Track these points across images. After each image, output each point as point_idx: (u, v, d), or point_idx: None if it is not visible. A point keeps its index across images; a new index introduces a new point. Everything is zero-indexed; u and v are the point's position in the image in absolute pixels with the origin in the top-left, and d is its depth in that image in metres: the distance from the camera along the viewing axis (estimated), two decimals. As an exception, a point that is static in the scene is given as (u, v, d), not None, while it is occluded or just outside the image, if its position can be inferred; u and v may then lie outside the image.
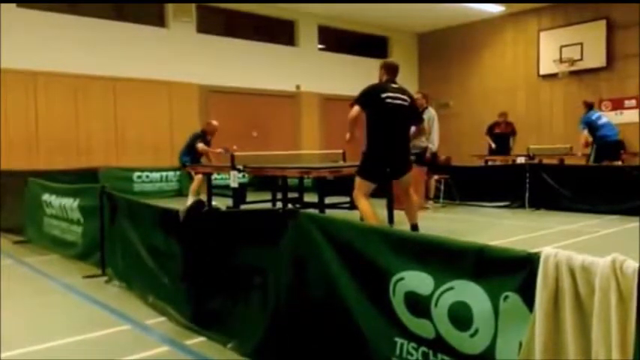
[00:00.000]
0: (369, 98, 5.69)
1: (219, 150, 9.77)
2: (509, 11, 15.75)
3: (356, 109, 5.66)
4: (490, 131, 12.80)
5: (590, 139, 10.87)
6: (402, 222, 7.58)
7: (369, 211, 5.61)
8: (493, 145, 12.71)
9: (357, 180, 5.78)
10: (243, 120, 14.23)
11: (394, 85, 5.79)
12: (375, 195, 6.15)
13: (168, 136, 13.11)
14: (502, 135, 12.59)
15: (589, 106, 11.20)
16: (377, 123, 5.67)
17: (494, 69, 16.66)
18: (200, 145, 9.49)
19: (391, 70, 5.89)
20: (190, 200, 8.08)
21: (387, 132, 5.68)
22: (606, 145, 10.78)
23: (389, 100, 5.63)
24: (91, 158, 11.87)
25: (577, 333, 1.68)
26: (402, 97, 5.72)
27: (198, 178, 9.18)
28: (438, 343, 2.12)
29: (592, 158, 10.87)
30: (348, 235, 2.54)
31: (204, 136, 9.75)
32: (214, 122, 9.96)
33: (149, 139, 12.89)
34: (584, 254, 1.71)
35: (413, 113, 5.87)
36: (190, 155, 9.62)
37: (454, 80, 17.46)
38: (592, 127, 10.82)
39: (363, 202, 5.70)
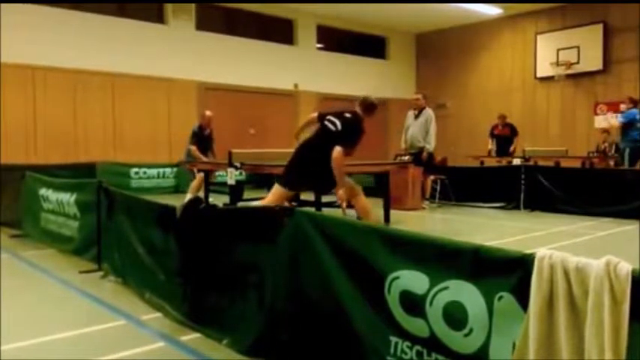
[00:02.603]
0: (324, 115, 5.76)
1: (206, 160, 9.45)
2: (507, 14, 15.79)
3: (314, 115, 5.89)
4: (491, 133, 12.90)
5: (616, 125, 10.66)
6: (398, 221, 7.61)
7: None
8: (489, 147, 12.79)
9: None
10: (241, 118, 14.24)
11: (346, 114, 5.63)
12: (373, 195, 6.16)
13: (166, 132, 13.11)
14: (501, 137, 12.69)
15: (634, 103, 10.97)
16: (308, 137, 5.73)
17: (492, 71, 16.70)
18: (192, 148, 9.33)
19: (360, 103, 5.74)
20: (189, 197, 8.06)
21: (304, 146, 5.66)
22: (638, 148, 10.66)
23: (324, 121, 5.61)
24: (88, 153, 11.87)
25: (570, 334, 1.70)
26: (336, 121, 5.52)
27: (199, 176, 9.01)
28: (433, 342, 2.13)
29: (627, 161, 10.66)
30: (344, 233, 2.56)
31: (201, 131, 9.51)
32: (207, 113, 9.67)
33: (147, 135, 12.89)
34: (578, 256, 1.73)
35: (337, 137, 5.44)
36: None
37: (451, 81, 17.49)
38: (632, 124, 10.61)
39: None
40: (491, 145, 12.80)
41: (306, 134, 5.96)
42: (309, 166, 5.50)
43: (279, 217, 2.87)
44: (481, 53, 16.90)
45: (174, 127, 13.03)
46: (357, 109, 5.66)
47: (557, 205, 8.96)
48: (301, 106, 15.81)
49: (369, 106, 5.69)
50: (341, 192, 5.29)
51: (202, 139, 9.46)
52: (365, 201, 5.67)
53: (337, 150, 5.19)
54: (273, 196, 5.53)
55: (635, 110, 10.84)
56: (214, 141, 9.78)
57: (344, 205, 5.33)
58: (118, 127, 12.53)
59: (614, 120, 10.74)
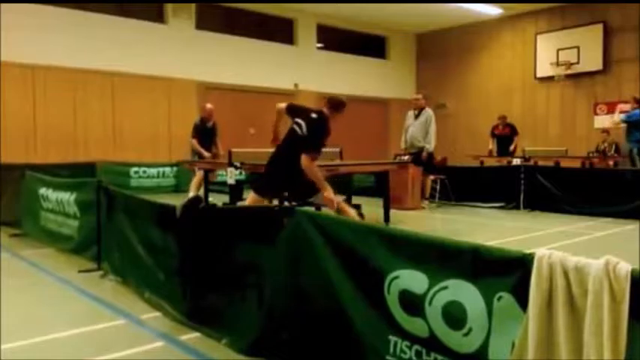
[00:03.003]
0: (293, 112, 5.62)
1: (207, 154, 9.18)
2: (507, 14, 15.78)
3: (282, 105, 5.81)
4: (492, 133, 12.91)
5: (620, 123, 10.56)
6: (398, 221, 7.62)
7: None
8: (490, 147, 12.81)
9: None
10: (241, 117, 14.23)
11: (312, 114, 5.45)
12: (373, 195, 6.16)
13: (166, 132, 13.11)
14: (501, 137, 12.71)
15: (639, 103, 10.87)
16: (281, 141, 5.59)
17: (492, 71, 16.69)
18: (193, 141, 9.20)
19: (328, 102, 5.57)
20: (190, 195, 8.04)
21: (275, 152, 5.56)
22: None
23: (293, 124, 5.46)
24: (88, 153, 11.87)
25: (569, 333, 1.70)
26: (302, 124, 5.36)
27: (199, 173, 8.90)
28: (432, 342, 2.13)
29: (637, 161, 10.60)
30: (344, 233, 2.56)
31: (202, 123, 9.26)
32: (208, 105, 9.42)
33: (147, 134, 12.89)
34: (578, 256, 1.73)
35: (302, 142, 5.28)
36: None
37: (452, 81, 17.48)
38: (637, 125, 10.55)
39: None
40: (491, 145, 12.82)
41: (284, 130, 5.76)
42: (279, 174, 5.39)
43: (279, 217, 2.87)
44: (481, 53, 16.89)
45: (174, 126, 13.03)
46: (324, 109, 5.48)
47: (557, 205, 8.96)
48: (301, 106, 15.80)
49: (337, 104, 5.49)
50: (327, 193, 5.13)
51: (204, 132, 9.23)
52: (346, 205, 5.65)
53: (304, 158, 5.04)
54: (248, 202, 5.44)
55: (639, 110, 10.79)
56: (218, 134, 9.52)
57: (336, 206, 5.24)
58: (117, 127, 12.52)
59: (617, 117, 10.64)
